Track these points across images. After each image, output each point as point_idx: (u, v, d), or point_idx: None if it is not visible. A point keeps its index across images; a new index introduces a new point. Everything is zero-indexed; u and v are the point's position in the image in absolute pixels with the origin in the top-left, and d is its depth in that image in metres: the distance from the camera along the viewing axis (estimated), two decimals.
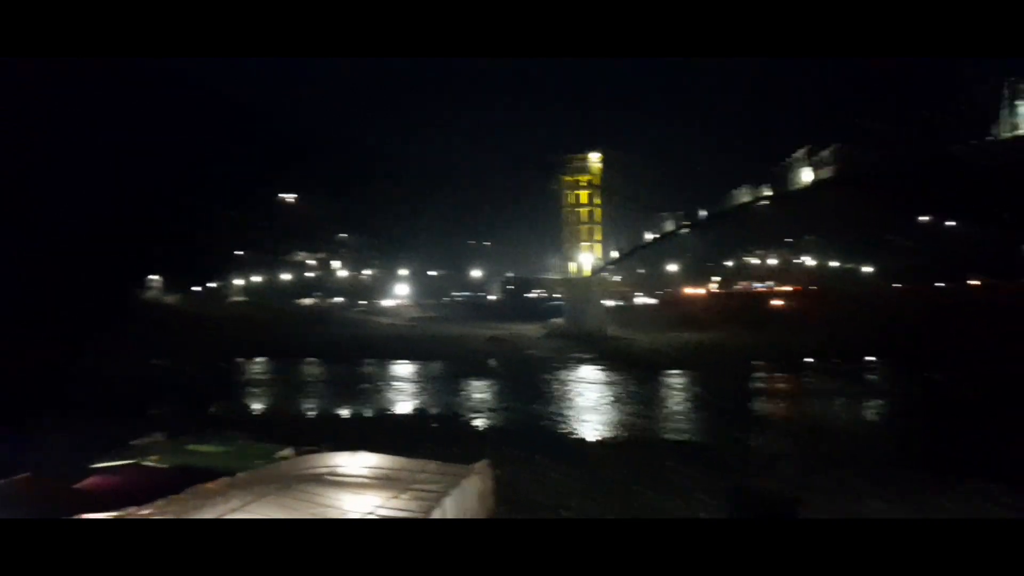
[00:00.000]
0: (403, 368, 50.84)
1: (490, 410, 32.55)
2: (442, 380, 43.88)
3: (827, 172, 51.86)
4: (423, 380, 45.06)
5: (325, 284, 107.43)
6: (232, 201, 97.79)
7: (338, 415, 31.59)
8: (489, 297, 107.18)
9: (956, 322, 55.50)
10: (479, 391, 38.72)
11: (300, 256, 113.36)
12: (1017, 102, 36.13)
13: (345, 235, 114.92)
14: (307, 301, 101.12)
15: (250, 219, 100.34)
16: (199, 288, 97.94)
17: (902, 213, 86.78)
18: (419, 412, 32.27)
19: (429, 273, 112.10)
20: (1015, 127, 36.53)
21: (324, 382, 45.19)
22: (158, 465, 13.36)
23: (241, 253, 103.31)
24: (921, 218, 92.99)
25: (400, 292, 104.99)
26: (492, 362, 51.75)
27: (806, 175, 53.64)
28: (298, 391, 40.34)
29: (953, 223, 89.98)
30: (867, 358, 47.60)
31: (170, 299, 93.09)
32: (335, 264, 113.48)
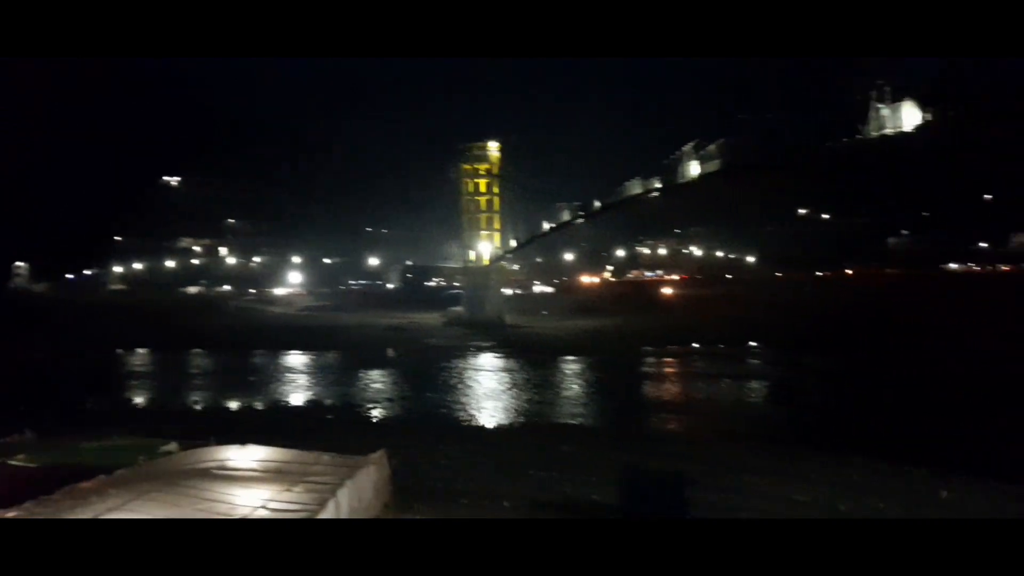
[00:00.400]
0: (296, 359, 49.48)
1: (388, 400, 32.24)
2: (337, 370, 43.03)
3: (713, 166, 54.20)
4: (317, 371, 44.03)
5: (212, 272, 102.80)
6: (109, 184, 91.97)
7: (227, 408, 30.42)
8: (387, 285, 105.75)
9: (831, 308, 59.46)
10: (376, 381, 38.23)
11: (185, 242, 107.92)
12: (881, 105, 38.92)
13: (233, 221, 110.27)
14: (192, 290, 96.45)
15: (130, 203, 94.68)
16: (72, 276, 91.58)
17: (782, 205, 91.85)
18: (313, 403, 31.54)
19: (324, 260, 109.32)
20: (881, 127, 39.33)
21: (211, 374, 43.37)
22: (26, 464, 12.49)
23: (120, 239, 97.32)
24: (800, 210, 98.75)
25: (293, 280, 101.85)
26: (390, 351, 51.19)
27: (694, 168, 55.88)
28: (183, 384, 38.52)
29: (827, 215, 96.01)
30: (749, 343, 50.26)
31: (39, 288, 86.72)
32: (223, 251, 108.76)
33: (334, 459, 12.58)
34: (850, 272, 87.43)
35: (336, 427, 23.67)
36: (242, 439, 12.78)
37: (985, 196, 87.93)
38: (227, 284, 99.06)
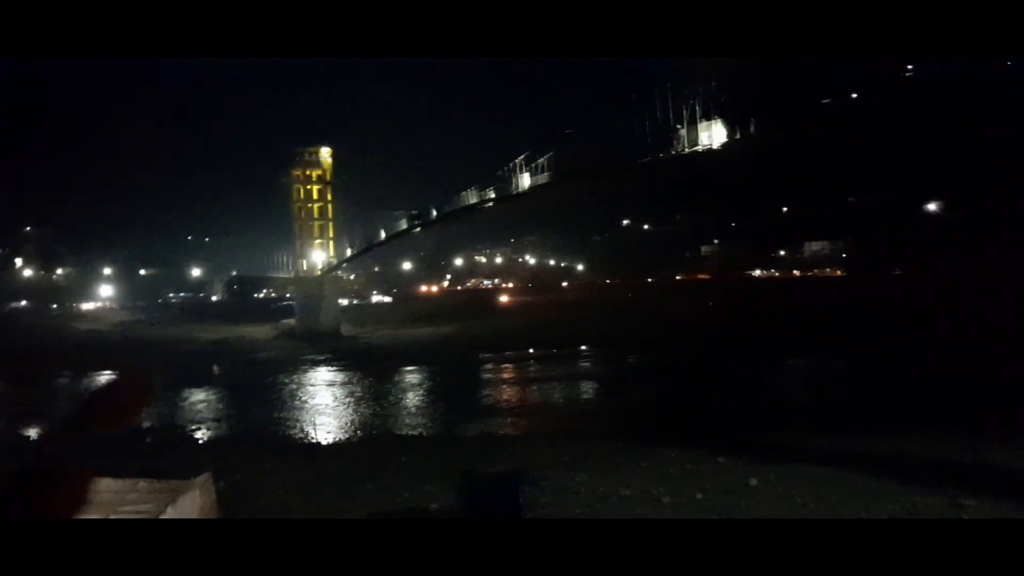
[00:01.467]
0: (107, 379, 45.30)
1: (213, 419, 30.41)
2: (156, 390, 39.93)
3: (543, 178, 56.19)
4: None
5: (6, 285, 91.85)
6: None
7: (27, 436, 27.32)
8: (212, 298, 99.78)
9: (654, 310, 63.54)
10: (200, 400, 35.92)
11: None
12: (694, 124, 42.23)
13: (30, 228, 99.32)
14: None
15: None
16: None
17: (607, 215, 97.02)
18: (127, 428, 29.06)
19: (140, 272, 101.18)
20: (693, 144, 42.66)
21: (6, 400, 38.74)
22: None
23: None
24: (624, 220, 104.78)
25: (103, 294, 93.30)
26: (215, 367, 48.29)
27: (525, 180, 57.61)
28: None
29: (647, 225, 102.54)
30: (581, 346, 52.54)
31: None
32: (18, 262, 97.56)
33: (152, 485, 11.68)
34: (671, 277, 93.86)
35: (155, 450, 21.99)
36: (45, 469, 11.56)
37: (783, 208, 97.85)
38: (24, 299, 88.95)
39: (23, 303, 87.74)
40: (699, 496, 13.47)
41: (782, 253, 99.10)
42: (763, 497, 13.37)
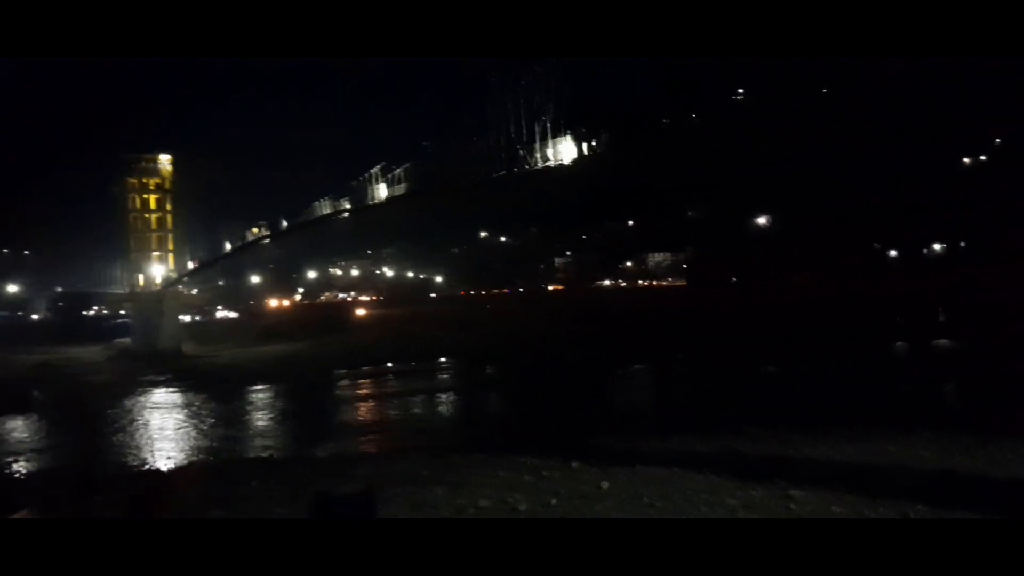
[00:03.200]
0: None
1: (34, 450, 27.53)
2: None
3: (400, 189, 55.85)
4: None
5: None
6: None
7: None
8: (33, 316, 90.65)
9: (511, 321, 64.72)
10: (20, 429, 32.44)
11: None
12: (546, 140, 43.61)
13: None
14: None
15: None
16: None
17: (465, 228, 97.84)
18: None
19: None
20: (546, 159, 44.02)
21: None
22: None
23: None
24: (481, 232, 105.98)
25: None
26: (37, 393, 43.80)
27: (382, 191, 56.98)
28: None
29: (504, 238, 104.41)
30: (440, 359, 52.49)
31: None
32: None
33: None
34: (526, 288, 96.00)
35: None
36: None
37: (628, 222, 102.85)
38: None
39: None
40: (554, 502, 13.83)
41: (628, 264, 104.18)
42: (614, 499, 13.94)
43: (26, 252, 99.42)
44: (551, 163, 44.14)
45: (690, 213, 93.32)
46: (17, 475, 22.86)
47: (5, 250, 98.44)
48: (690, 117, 45.54)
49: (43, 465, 24.78)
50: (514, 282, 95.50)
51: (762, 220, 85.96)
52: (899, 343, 48.38)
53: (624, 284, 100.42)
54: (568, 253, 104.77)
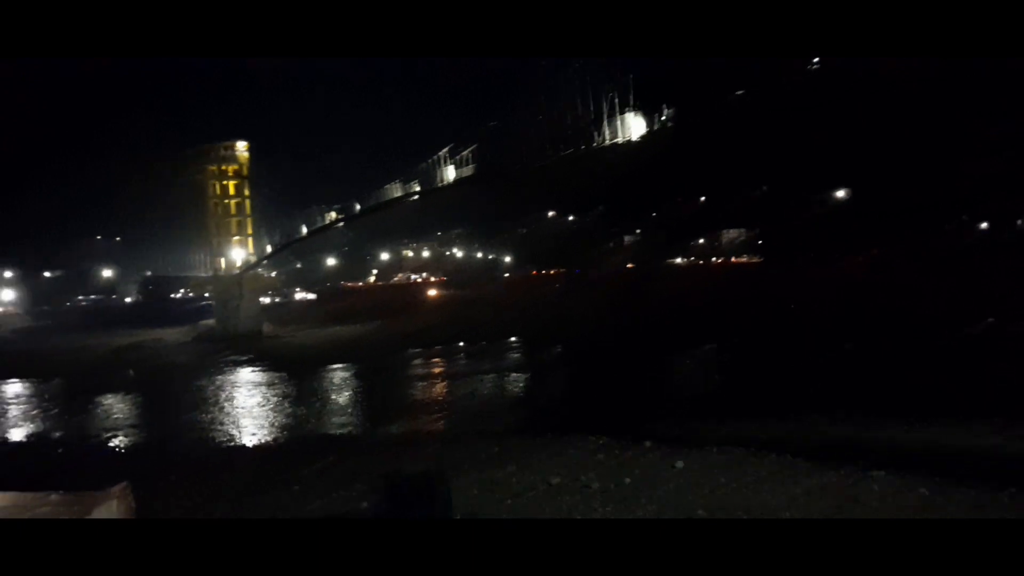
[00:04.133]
0: (10, 388, 42.93)
1: (130, 426, 29.17)
2: (66, 398, 38.04)
3: (468, 171, 56.15)
4: (40, 400, 38.57)
5: None
6: None
7: None
8: (124, 300, 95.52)
9: (581, 300, 64.46)
10: (115, 407, 34.40)
11: None
12: (613, 116, 43.00)
13: None
14: None
15: None
16: None
17: (532, 207, 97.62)
18: (35, 438, 27.63)
19: (44, 275, 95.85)
20: (614, 136, 43.44)
21: None
22: None
23: None
24: (549, 212, 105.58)
25: (3, 298, 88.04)
26: (130, 373, 46.32)
27: (450, 173, 57.41)
28: None
29: (572, 217, 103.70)
30: (510, 339, 52.80)
31: None
32: None
33: (65, 497, 11.15)
34: (595, 267, 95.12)
35: (67, 460, 21.00)
36: None
37: (701, 198, 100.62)
38: None
39: None
40: (627, 480, 13.81)
41: (700, 241, 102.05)
42: (688, 479, 13.83)
43: (117, 238, 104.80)
44: (619, 140, 43.52)
45: (765, 187, 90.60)
46: (115, 450, 24.26)
47: (99, 237, 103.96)
48: (764, 87, 44.02)
49: (137, 440, 26.23)
50: (582, 261, 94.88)
51: (841, 193, 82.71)
52: (990, 321, 45.96)
53: (697, 262, 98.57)
54: (637, 231, 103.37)
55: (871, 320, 40.87)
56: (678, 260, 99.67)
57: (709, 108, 44.84)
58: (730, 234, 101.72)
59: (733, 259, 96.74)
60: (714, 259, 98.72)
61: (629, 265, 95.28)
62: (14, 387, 43.26)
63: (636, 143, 43.33)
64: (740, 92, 44.37)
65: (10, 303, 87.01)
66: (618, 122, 43.38)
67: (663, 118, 43.04)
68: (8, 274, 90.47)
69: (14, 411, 35.71)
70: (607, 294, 66.23)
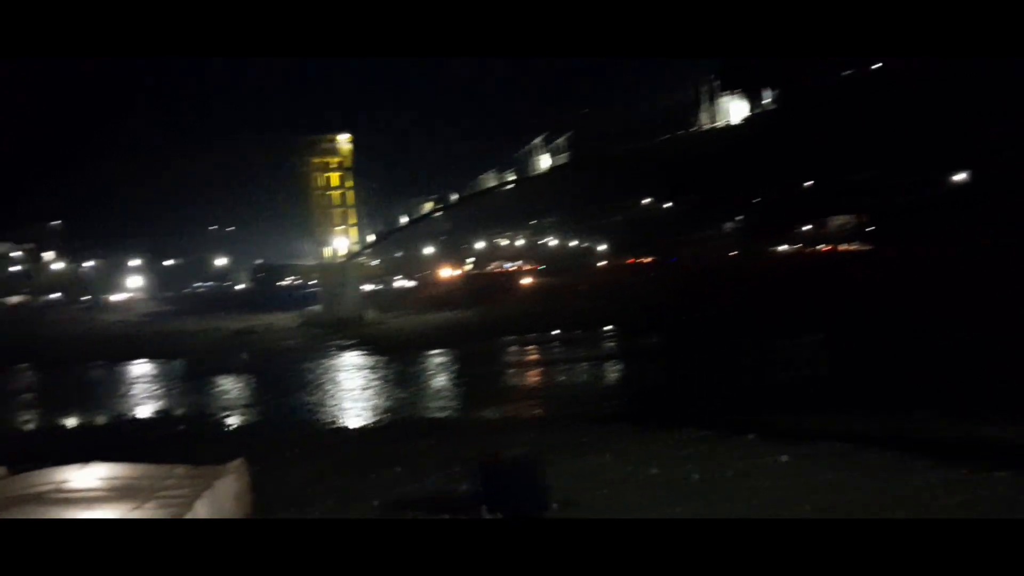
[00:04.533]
0: (138, 368, 46.27)
1: (244, 406, 30.92)
2: (186, 379, 40.70)
3: (562, 158, 56.01)
4: (163, 380, 41.41)
5: (36, 279, 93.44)
6: None
7: (63, 426, 28.01)
8: (237, 287, 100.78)
9: (679, 288, 63.18)
10: (230, 387, 36.53)
11: (1, 247, 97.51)
12: (712, 100, 41.81)
13: (58, 223, 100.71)
14: (13, 299, 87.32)
15: None
16: None
17: (627, 194, 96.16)
18: (161, 415, 29.71)
19: (165, 263, 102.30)
20: (713, 120, 42.26)
21: (42, 390, 39.66)
22: None
23: None
24: (644, 199, 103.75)
25: (131, 285, 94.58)
26: (244, 355, 48.99)
27: (544, 161, 57.44)
28: (9, 404, 34.99)
29: (669, 203, 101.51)
30: (605, 327, 52.46)
31: None
32: (47, 256, 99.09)
33: (188, 471, 11.96)
34: (693, 255, 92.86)
35: (189, 437, 22.48)
36: (83, 458, 11.88)
37: (806, 183, 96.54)
38: (55, 292, 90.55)
39: (55, 295, 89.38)
40: (729, 473, 13.50)
41: (806, 228, 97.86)
42: (794, 473, 13.39)
43: (231, 228, 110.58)
44: (719, 124, 42.29)
45: (875, 171, 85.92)
46: (230, 428, 25.79)
47: (213, 227, 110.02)
48: (873, 66, 41.69)
49: (252, 419, 27.79)
50: (680, 249, 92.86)
51: (959, 177, 77.44)
52: None
53: (802, 249, 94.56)
54: (738, 218, 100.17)
55: (988, 311, 38.12)
56: (781, 248, 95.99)
57: (815, 89, 42.89)
58: (837, 220, 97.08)
59: (840, 247, 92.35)
60: (820, 246, 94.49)
61: (729, 253, 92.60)
62: (142, 367, 46.64)
63: (737, 126, 42.00)
64: (848, 72, 42.20)
65: (137, 289, 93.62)
66: (717, 105, 42.14)
67: (765, 100, 41.50)
68: (135, 262, 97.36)
69: (142, 390, 38.54)
70: (706, 283, 64.63)
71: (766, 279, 62.96)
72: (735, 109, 41.79)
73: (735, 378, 28.17)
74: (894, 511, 10.80)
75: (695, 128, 43.11)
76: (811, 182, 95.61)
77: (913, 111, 46.92)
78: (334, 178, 75.81)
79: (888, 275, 55.54)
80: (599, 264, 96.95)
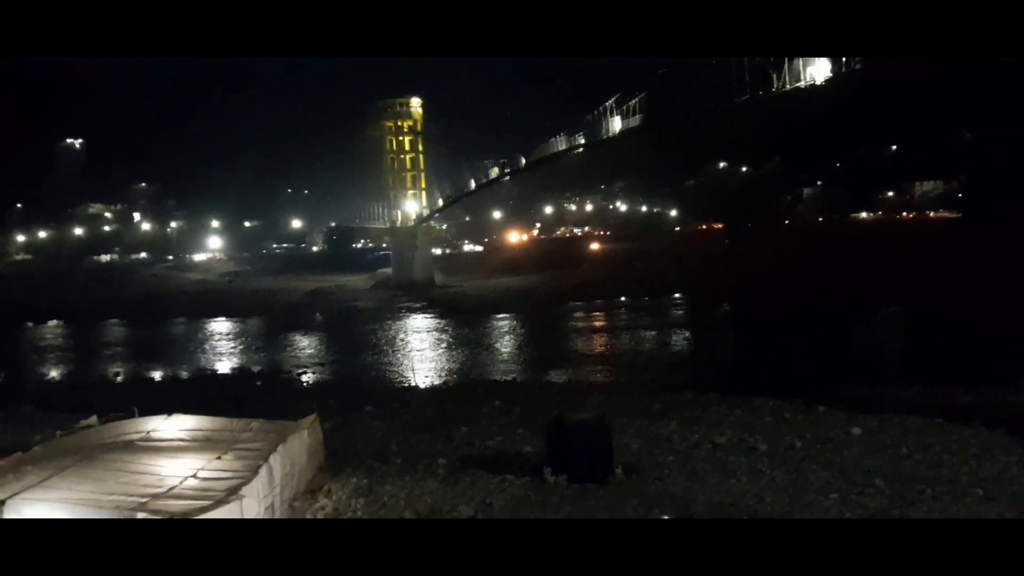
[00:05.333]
0: (218, 325, 48.27)
1: (317, 364, 31.91)
2: (263, 336, 42.24)
3: (635, 121, 54.82)
4: (242, 337, 43.10)
5: (124, 239, 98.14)
6: (3, 148, 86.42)
7: (149, 378, 29.56)
8: (311, 248, 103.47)
9: (751, 256, 61.65)
10: (304, 346, 37.76)
11: (94, 208, 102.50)
12: (794, 59, 40.04)
13: (145, 185, 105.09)
14: (104, 258, 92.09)
15: (28, 167, 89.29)
16: None
17: (701, 158, 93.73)
18: (240, 370, 30.98)
19: (244, 224, 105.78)
20: (794, 80, 40.56)
21: (130, 344, 41.90)
22: None
23: (20, 206, 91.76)
24: (720, 163, 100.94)
25: (212, 245, 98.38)
26: (317, 315, 50.49)
27: (616, 124, 56.38)
28: (100, 356, 37.13)
29: (745, 168, 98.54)
30: (674, 295, 51.73)
31: None
32: (135, 216, 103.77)
33: (264, 425, 12.46)
34: (770, 222, 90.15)
35: (265, 392, 23.38)
36: (167, 409, 12.51)
37: (891, 147, 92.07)
38: (142, 251, 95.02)
39: (143, 255, 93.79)
40: (798, 444, 13.20)
41: (889, 194, 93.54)
42: (865, 446, 12.99)
43: (305, 191, 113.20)
44: (801, 84, 40.54)
45: (967, 135, 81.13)
46: (306, 385, 26.69)
47: (289, 190, 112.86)
48: None
49: (324, 376, 28.69)
50: (755, 215, 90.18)
51: None
52: None
53: (884, 217, 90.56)
54: (819, 183, 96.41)
55: None
56: (863, 215, 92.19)
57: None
58: (924, 186, 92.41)
59: (928, 214, 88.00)
60: (904, 214, 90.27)
61: (807, 220, 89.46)
62: (222, 324, 48.65)
63: (820, 87, 40.16)
64: None
65: (218, 249, 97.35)
66: (799, 65, 40.36)
67: (852, 61, 39.48)
68: (215, 224, 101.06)
69: (221, 346, 40.25)
70: (781, 250, 62.74)
71: (845, 247, 60.69)
72: (818, 68, 39.89)
73: (808, 349, 27.39)
74: (974, 489, 10.37)
75: (775, 89, 41.39)
76: (896, 146, 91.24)
77: (1015, 68, 43.84)
78: (406, 142, 76.48)
79: (977, 245, 52.70)
80: (670, 230, 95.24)
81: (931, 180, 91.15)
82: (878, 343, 30.99)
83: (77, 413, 14.66)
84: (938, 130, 79.06)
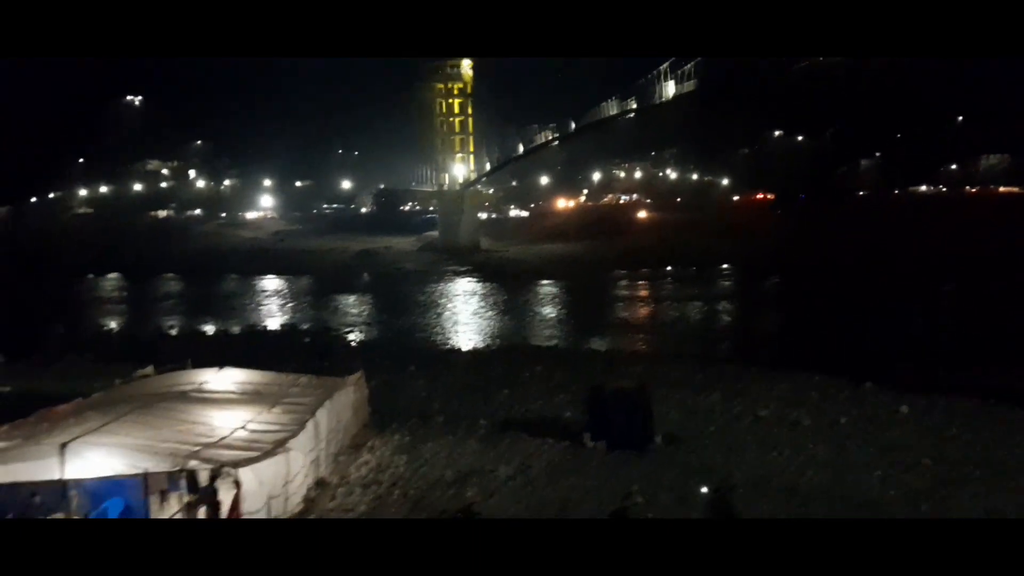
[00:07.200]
0: (269, 283, 49.32)
1: (364, 323, 32.47)
2: (312, 295, 43.04)
3: (689, 86, 53.49)
4: (291, 295, 44.00)
5: (181, 195, 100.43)
6: (69, 103, 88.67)
7: (202, 332, 30.48)
8: (360, 209, 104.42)
9: (805, 228, 60.19)
10: (352, 305, 38.37)
11: (152, 165, 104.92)
12: None
13: (201, 143, 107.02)
14: (161, 213, 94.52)
15: (91, 123, 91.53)
16: (35, 199, 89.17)
17: (756, 126, 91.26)
18: (289, 327, 31.68)
19: (295, 184, 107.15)
20: None
21: (184, 298, 43.16)
22: None
23: (83, 161, 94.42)
24: (774, 132, 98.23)
25: (264, 204, 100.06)
26: (365, 276, 51.18)
27: (670, 88, 55.10)
28: (156, 309, 38.38)
29: (800, 137, 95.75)
30: (722, 266, 50.92)
31: None
32: (191, 174, 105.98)
33: (312, 381, 12.80)
34: (824, 193, 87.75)
35: (313, 349, 23.91)
36: (219, 362, 12.91)
37: (957, 118, 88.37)
38: (197, 208, 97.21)
39: (197, 211, 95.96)
40: (843, 420, 13.02)
41: (953, 167, 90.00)
42: (912, 426, 12.75)
43: (355, 153, 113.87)
44: None
45: None
46: (352, 343, 27.19)
47: (340, 151, 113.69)
48: None
49: (371, 336, 29.19)
50: (810, 186, 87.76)
51: None
52: None
53: (945, 190, 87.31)
54: (877, 154, 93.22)
55: None
56: (923, 188, 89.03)
57: None
58: (990, 160, 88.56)
59: (993, 188, 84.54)
60: (968, 188, 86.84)
61: (863, 192, 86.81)
62: (273, 282, 49.70)
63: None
64: None
65: (269, 208, 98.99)
66: None
67: None
68: (267, 183, 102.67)
69: (272, 303, 41.17)
70: (836, 223, 61.10)
71: (903, 221, 58.81)
72: None
73: (858, 325, 26.77)
74: (1018, 473, 10.13)
75: (834, 56, 39.88)
76: (962, 117, 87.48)
77: None
78: (455, 105, 76.06)
79: None
80: (720, 199, 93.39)
81: (998, 153, 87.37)
82: (933, 321, 30.07)
83: (133, 363, 15.22)
84: (1011, 99, 75.55)
